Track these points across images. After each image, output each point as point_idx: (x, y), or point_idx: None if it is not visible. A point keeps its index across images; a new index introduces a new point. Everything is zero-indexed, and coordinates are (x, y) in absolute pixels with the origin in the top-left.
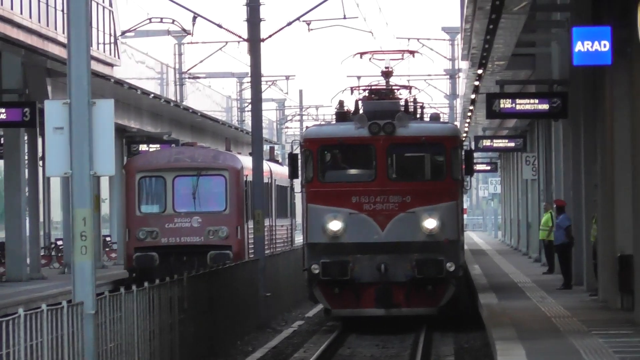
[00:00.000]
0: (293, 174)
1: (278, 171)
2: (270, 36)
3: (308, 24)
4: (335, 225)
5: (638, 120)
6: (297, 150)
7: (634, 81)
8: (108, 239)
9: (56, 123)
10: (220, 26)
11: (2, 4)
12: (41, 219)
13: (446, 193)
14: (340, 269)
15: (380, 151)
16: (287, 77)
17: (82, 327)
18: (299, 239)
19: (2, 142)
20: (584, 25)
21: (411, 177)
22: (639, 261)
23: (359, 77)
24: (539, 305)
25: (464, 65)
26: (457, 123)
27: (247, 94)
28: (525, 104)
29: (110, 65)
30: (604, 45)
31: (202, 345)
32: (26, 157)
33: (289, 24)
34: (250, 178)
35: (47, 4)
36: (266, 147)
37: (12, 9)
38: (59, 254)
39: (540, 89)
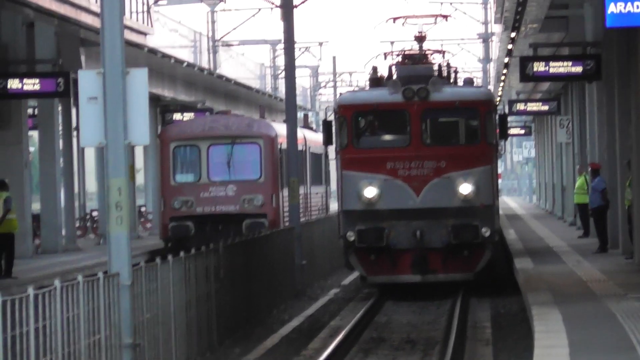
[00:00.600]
0: (327, 141)
1: (312, 138)
2: (303, 2)
3: None
4: (370, 192)
5: None
6: (331, 117)
7: None
8: (143, 209)
9: (90, 93)
10: None
11: None
12: (76, 190)
13: (481, 157)
14: (376, 236)
15: (414, 116)
16: (321, 44)
17: (118, 298)
18: (333, 206)
19: (36, 112)
20: None
21: (445, 141)
22: None
23: (392, 43)
24: (575, 269)
25: (497, 28)
26: (491, 87)
27: (281, 61)
28: (558, 67)
29: (144, 34)
30: (637, 7)
31: (238, 315)
32: (60, 128)
33: None
34: (284, 146)
35: None
36: (300, 114)
37: None
38: (94, 225)
39: (573, 51)
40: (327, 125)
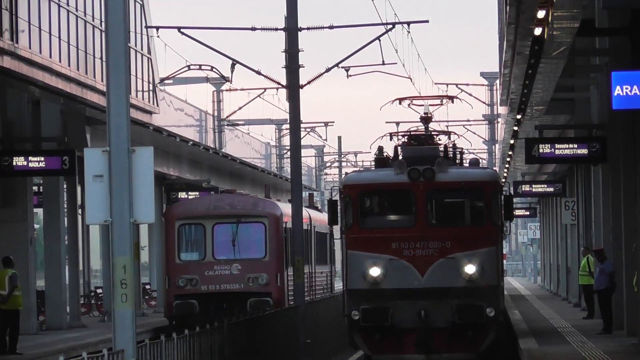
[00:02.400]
0: (333, 221)
1: (317, 217)
2: (309, 82)
3: (347, 70)
4: (375, 272)
5: None
6: (337, 197)
7: None
8: (148, 286)
9: (96, 171)
10: (259, 73)
11: (40, 52)
12: (80, 267)
13: (486, 238)
14: (380, 315)
15: (420, 197)
16: (326, 124)
17: None
18: (338, 285)
19: (41, 190)
20: (623, 70)
21: (451, 222)
22: None
23: (397, 123)
24: (579, 350)
25: (502, 110)
26: (496, 168)
27: (286, 141)
28: (564, 149)
29: (149, 112)
30: None
31: None
32: (65, 205)
33: (328, 70)
34: (289, 225)
35: (85, 51)
36: (305, 194)
37: (50, 57)
38: (99, 302)
39: (579, 133)
40: (332, 204)
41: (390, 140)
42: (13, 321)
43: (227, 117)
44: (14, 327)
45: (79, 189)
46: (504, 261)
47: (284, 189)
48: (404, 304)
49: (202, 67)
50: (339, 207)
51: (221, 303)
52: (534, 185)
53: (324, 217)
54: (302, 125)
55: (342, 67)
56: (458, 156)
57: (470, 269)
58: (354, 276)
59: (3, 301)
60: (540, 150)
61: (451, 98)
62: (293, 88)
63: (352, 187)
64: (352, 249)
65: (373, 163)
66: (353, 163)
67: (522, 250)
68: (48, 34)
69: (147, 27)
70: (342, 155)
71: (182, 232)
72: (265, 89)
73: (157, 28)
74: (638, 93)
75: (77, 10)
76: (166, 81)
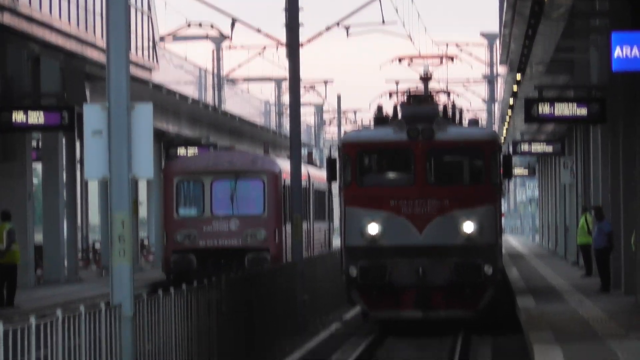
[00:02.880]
0: (331, 178)
1: (316, 175)
2: (309, 41)
3: (347, 29)
4: (373, 229)
5: None
6: (336, 155)
7: None
8: (145, 241)
9: (95, 127)
10: (259, 30)
11: (40, 9)
12: (79, 222)
13: (484, 197)
14: (378, 273)
15: (419, 155)
16: (326, 82)
17: (119, 329)
18: (336, 242)
19: (40, 145)
20: (623, 31)
21: (450, 181)
22: None
23: (397, 82)
24: (577, 308)
25: (502, 70)
26: (496, 128)
27: (286, 99)
28: (563, 109)
29: (149, 69)
30: None
31: (240, 349)
32: (64, 161)
33: (328, 28)
34: (288, 182)
35: (85, 8)
36: (304, 151)
37: (50, 14)
38: (97, 257)
39: (578, 94)
40: (331, 163)
41: (390, 99)
42: (11, 275)
43: (226, 74)
44: (11, 281)
45: (77, 144)
46: (502, 219)
47: (283, 146)
48: (402, 261)
49: (202, 25)
50: (337, 165)
51: (219, 259)
52: (532, 145)
53: (322, 174)
54: (301, 83)
55: (342, 26)
56: (457, 115)
57: (468, 227)
58: (352, 233)
59: (1, 255)
60: (540, 110)
61: (451, 57)
62: (293, 46)
63: (351, 145)
64: (351, 205)
65: (372, 122)
66: (352, 121)
67: (521, 208)
68: None
69: None
70: (342, 113)
71: (181, 188)
72: (265, 47)
73: None
74: (638, 55)
75: None
76: (166, 38)
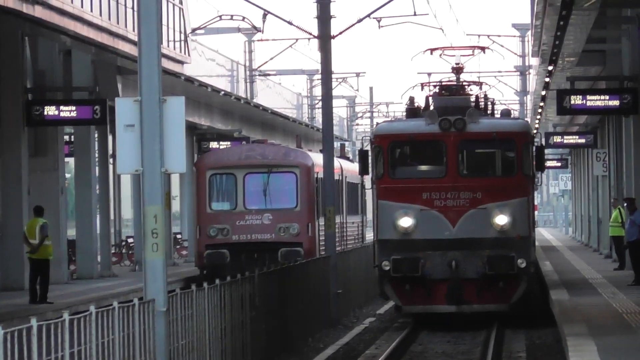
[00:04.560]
0: (364, 171)
1: (349, 168)
2: (340, 33)
3: (378, 21)
4: (406, 222)
5: None
6: (368, 147)
7: None
8: (179, 236)
9: (127, 120)
10: (290, 23)
11: (72, 2)
12: (112, 217)
13: (517, 189)
14: (411, 266)
15: (451, 147)
16: (358, 74)
17: (153, 324)
18: (369, 235)
19: (72, 139)
20: None
21: (482, 173)
22: None
23: (429, 74)
24: (611, 301)
25: (534, 61)
26: (528, 119)
27: (318, 91)
28: (595, 100)
29: (181, 62)
30: None
31: (273, 343)
32: (96, 155)
33: (360, 20)
34: (321, 175)
35: (117, 1)
36: (337, 144)
37: (82, 7)
38: (130, 252)
39: (610, 85)
40: (363, 155)
41: (422, 90)
42: (44, 270)
43: (258, 67)
44: (44, 277)
45: (110, 138)
46: (535, 212)
47: (316, 139)
48: (434, 254)
49: (234, 17)
50: (369, 157)
51: (252, 253)
52: (565, 137)
53: (355, 167)
54: (333, 76)
55: (373, 18)
56: (489, 107)
57: (501, 219)
58: (384, 226)
59: (34, 250)
60: (572, 102)
61: (483, 49)
62: (324, 38)
63: (383, 137)
64: (383, 198)
65: (404, 113)
66: (384, 113)
67: (554, 201)
68: None
69: None
70: (374, 106)
71: (214, 182)
72: (296, 39)
73: None
74: None
75: None
76: (198, 31)
